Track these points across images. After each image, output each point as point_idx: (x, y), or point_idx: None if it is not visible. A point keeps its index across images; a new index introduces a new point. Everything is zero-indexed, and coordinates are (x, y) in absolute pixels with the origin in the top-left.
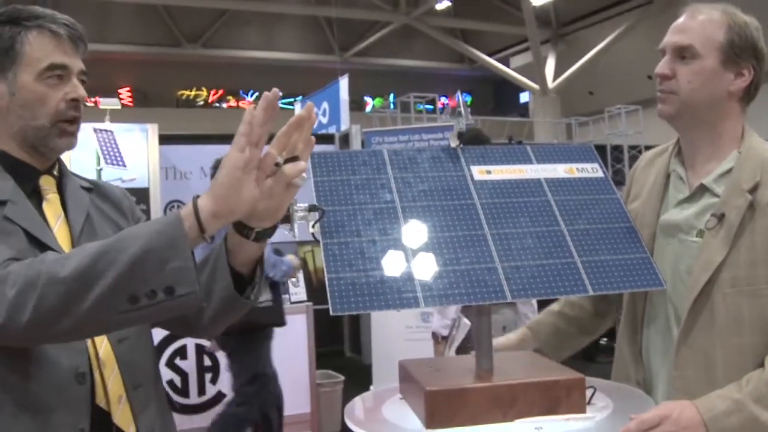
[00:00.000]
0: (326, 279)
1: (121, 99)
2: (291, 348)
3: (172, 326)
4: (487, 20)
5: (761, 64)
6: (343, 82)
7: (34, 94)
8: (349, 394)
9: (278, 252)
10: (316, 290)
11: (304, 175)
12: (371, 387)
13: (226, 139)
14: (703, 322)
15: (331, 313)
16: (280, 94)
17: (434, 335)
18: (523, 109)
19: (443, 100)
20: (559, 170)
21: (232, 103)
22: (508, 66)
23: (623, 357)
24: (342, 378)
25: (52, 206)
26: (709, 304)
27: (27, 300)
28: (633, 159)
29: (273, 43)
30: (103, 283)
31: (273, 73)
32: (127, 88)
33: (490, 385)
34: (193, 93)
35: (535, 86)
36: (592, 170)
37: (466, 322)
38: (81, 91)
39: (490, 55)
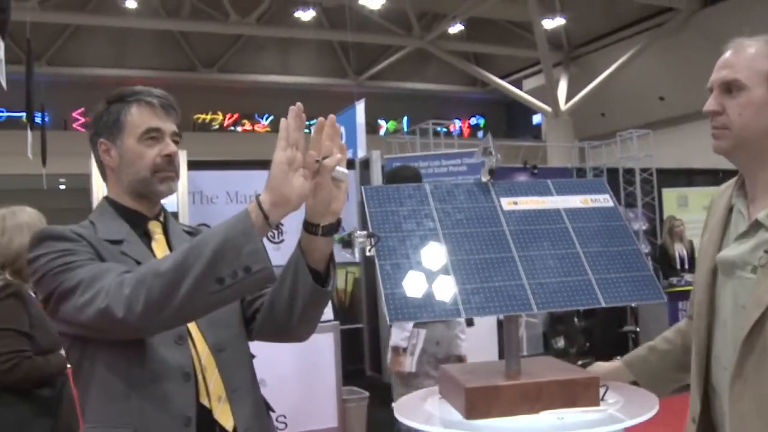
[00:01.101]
0: (383, 294)
1: None
2: (319, 365)
3: (266, 334)
4: (500, 44)
5: None
6: (360, 107)
7: (135, 154)
8: (371, 411)
9: None
10: (337, 310)
11: (345, 171)
12: (393, 404)
13: (251, 165)
14: (756, 358)
15: (388, 322)
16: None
17: (395, 348)
18: (536, 131)
19: (456, 123)
20: (576, 201)
21: (248, 126)
22: (520, 89)
23: (693, 392)
24: (367, 394)
25: (159, 245)
26: (761, 341)
27: (139, 295)
28: (644, 182)
29: (288, 67)
30: (194, 271)
31: (288, 97)
32: None
33: (519, 383)
34: (209, 117)
35: (548, 108)
36: (604, 200)
37: (422, 331)
38: (173, 148)
39: (502, 78)
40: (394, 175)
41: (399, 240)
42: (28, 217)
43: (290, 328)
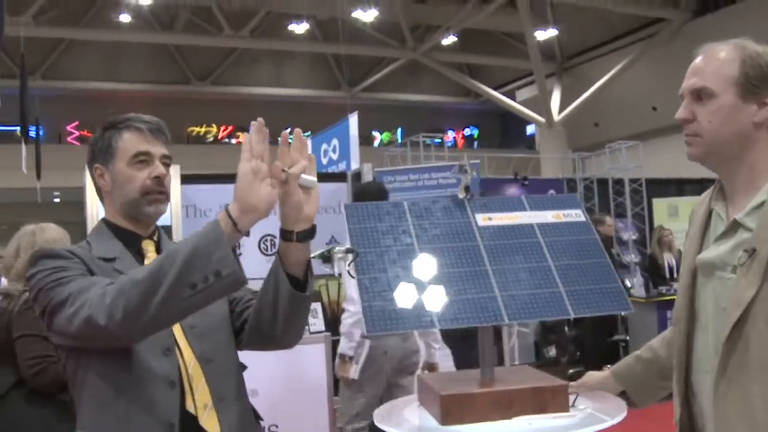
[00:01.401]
0: (361, 307)
1: None
2: (310, 375)
3: (254, 343)
4: (493, 55)
5: None
6: (353, 120)
7: (126, 177)
8: None
9: None
10: (329, 321)
11: (311, 178)
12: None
13: None
14: (739, 358)
15: (366, 333)
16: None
17: (342, 356)
18: (530, 142)
19: (450, 134)
20: (548, 216)
21: (242, 139)
22: (514, 99)
23: (674, 397)
24: None
25: None
26: (743, 341)
27: (119, 303)
28: (634, 192)
29: (282, 79)
30: (168, 278)
31: (282, 109)
32: None
33: (492, 390)
34: (203, 129)
35: (541, 119)
36: (576, 215)
37: (366, 341)
38: (161, 170)
39: (496, 89)
40: (362, 192)
41: (377, 255)
42: (55, 233)
43: (275, 335)
